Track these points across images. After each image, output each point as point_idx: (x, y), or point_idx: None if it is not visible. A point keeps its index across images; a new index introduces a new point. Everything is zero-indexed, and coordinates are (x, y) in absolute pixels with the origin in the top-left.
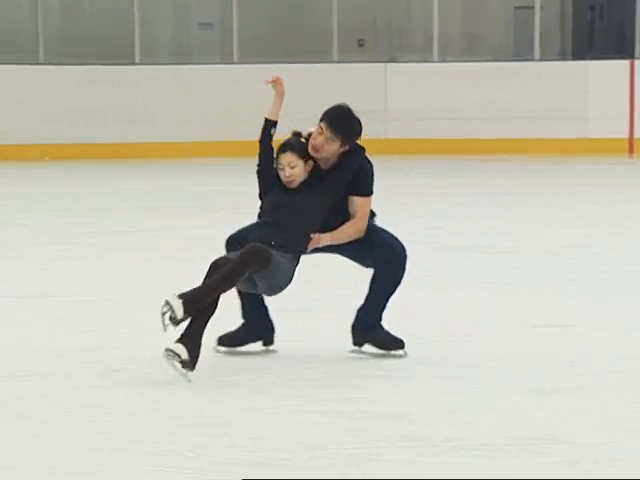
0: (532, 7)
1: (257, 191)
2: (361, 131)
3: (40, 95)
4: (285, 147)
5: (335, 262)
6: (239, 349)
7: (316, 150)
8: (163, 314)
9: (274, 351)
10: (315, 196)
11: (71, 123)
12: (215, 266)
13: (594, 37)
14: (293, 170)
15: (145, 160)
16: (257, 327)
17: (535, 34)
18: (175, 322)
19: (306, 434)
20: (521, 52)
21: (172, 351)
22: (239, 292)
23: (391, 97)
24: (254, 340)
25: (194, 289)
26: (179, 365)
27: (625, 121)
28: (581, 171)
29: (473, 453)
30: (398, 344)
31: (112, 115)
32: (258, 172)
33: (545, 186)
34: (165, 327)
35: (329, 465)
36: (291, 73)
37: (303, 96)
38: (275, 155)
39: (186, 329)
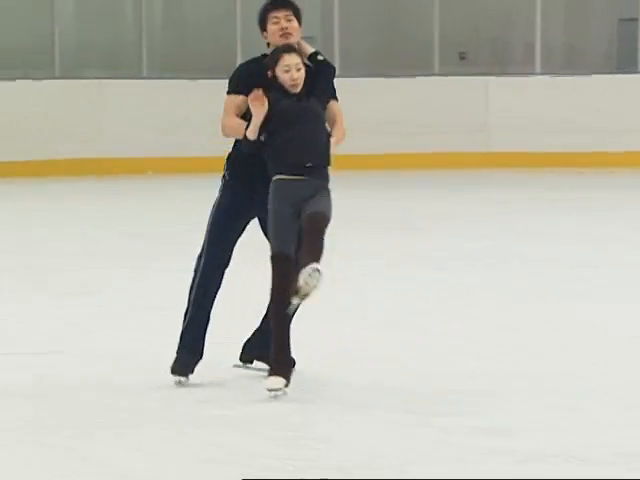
0: (636, 19)
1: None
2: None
3: (144, 108)
4: (290, 48)
5: None
6: None
7: (289, 33)
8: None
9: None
10: (316, 101)
11: (176, 136)
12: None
13: None
14: (300, 72)
15: None
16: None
17: (639, 46)
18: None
19: (405, 448)
20: (624, 64)
21: (274, 389)
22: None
23: (493, 110)
24: None
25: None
26: (281, 392)
27: None
28: None
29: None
30: None
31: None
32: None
33: None
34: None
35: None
36: (392, 85)
37: (405, 108)
38: (274, 56)
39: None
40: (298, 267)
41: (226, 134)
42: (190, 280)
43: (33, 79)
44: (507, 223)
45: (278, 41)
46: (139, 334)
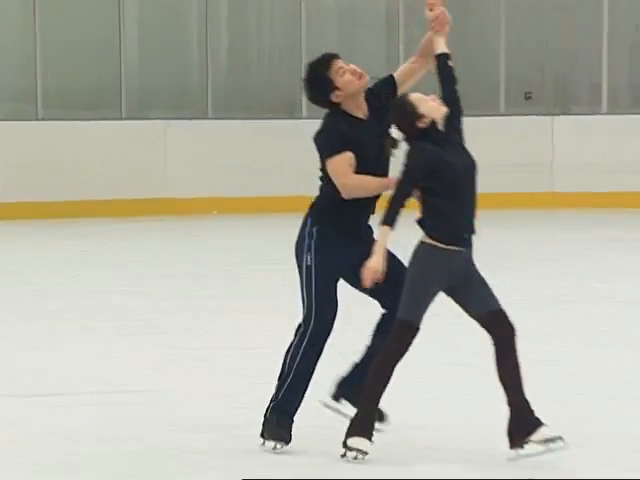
0: None
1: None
2: None
3: (210, 149)
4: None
5: None
6: None
7: (361, 72)
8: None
9: None
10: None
11: (238, 177)
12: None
13: None
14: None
15: None
16: None
17: None
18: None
19: None
20: None
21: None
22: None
23: (558, 150)
24: None
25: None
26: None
27: None
28: None
29: None
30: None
31: (280, 169)
32: None
33: None
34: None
35: None
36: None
37: (471, 148)
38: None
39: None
40: (517, 407)
41: (354, 194)
42: (291, 341)
43: (99, 119)
44: (586, 262)
45: (357, 86)
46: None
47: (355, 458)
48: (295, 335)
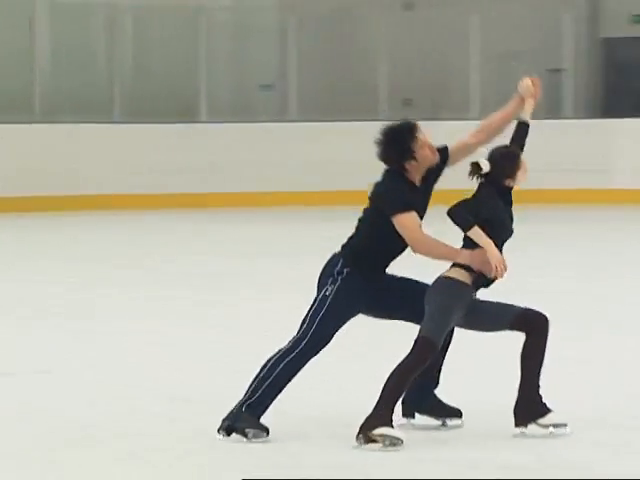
0: (561, 70)
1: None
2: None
3: (114, 151)
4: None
5: None
6: None
7: (434, 151)
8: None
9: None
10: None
11: (143, 176)
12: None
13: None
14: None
15: (225, 209)
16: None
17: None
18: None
19: None
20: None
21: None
22: None
23: None
24: None
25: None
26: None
27: None
28: None
29: None
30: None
31: (182, 168)
32: None
33: None
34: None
35: None
36: (343, 130)
37: (351, 151)
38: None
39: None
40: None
41: (422, 250)
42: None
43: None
44: None
45: (430, 162)
46: None
47: (390, 444)
48: (279, 351)
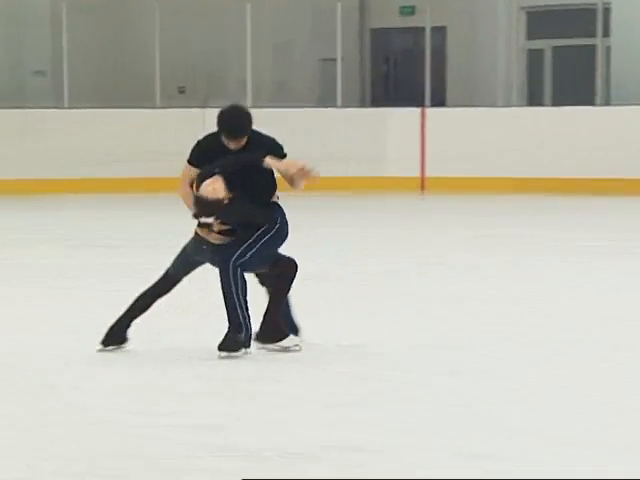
0: (334, 59)
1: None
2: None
3: None
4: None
5: None
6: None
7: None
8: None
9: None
10: None
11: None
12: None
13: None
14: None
15: None
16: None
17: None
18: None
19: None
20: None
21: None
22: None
23: None
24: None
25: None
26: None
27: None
28: None
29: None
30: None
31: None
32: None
33: None
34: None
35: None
36: (118, 117)
37: (129, 138)
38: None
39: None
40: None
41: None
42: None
43: None
44: None
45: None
46: None
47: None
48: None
